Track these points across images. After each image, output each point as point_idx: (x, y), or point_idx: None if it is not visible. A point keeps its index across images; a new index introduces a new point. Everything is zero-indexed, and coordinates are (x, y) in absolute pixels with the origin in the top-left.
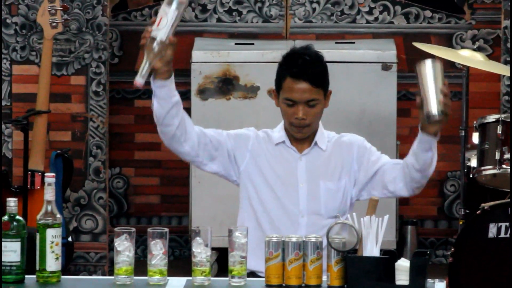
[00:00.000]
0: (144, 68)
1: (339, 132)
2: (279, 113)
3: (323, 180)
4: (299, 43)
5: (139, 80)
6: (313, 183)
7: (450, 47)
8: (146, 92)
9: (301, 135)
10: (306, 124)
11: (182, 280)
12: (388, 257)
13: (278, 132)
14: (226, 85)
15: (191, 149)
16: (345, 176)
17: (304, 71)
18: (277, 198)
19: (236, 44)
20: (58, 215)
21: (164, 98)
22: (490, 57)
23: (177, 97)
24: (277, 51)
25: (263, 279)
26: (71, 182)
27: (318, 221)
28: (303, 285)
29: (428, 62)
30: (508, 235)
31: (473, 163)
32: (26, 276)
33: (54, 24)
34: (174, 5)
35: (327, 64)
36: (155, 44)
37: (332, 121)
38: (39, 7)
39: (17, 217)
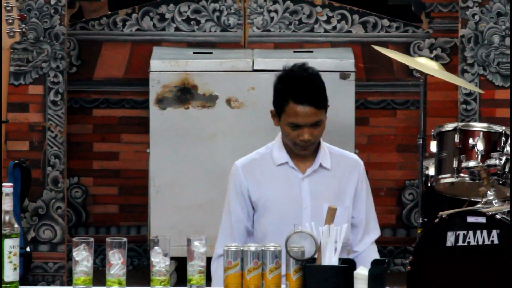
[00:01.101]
0: None
1: None
2: (237, 122)
3: (328, 203)
4: (257, 52)
5: None
6: (318, 205)
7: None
8: (105, 102)
9: (306, 153)
10: (312, 143)
11: None
12: (347, 266)
13: (279, 152)
14: (185, 94)
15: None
16: (349, 201)
17: (307, 96)
18: (279, 220)
19: (194, 53)
20: (16, 225)
21: None
22: (448, 66)
23: None
24: (235, 60)
25: None
26: (29, 192)
27: None
28: None
29: None
30: (465, 243)
31: (431, 171)
32: None
33: (11, 34)
34: None
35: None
36: None
37: None
38: None
39: None
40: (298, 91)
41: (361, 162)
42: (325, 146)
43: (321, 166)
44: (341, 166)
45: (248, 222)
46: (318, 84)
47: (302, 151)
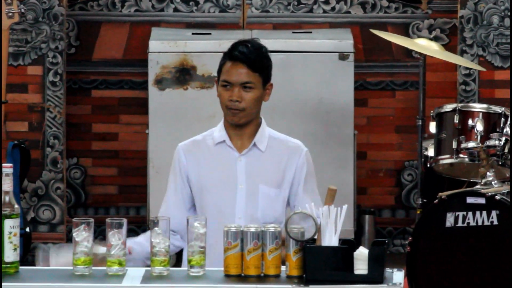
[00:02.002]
0: None
1: (295, 124)
2: None
3: (263, 184)
4: (256, 33)
5: None
6: (252, 185)
7: (406, 37)
8: (104, 83)
9: (236, 120)
10: (241, 108)
11: (141, 270)
12: (347, 247)
13: (219, 132)
14: (183, 75)
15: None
16: (287, 185)
17: (242, 55)
18: (215, 199)
19: (193, 34)
20: (16, 206)
21: None
22: (447, 46)
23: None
24: (234, 41)
25: (222, 269)
26: (29, 172)
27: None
28: (262, 275)
29: None
30: (465, 224)
31: (430, 152)
32: None
33: (10, 14)
34: None
35: (285, 54)
36: None
37: (289, 111)
38: None
39: None
40: (234, 50)
41: (304, 148)
42: (266, 129)
43: (255, 146)
44: (280, 150)
45: (183, 207)
46: (258, 51)
47: (233, 117)
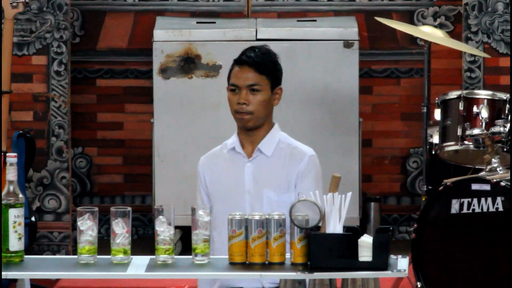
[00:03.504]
0: None
1: (300, 112)
2: None
3: (267, 188)
4: (261, 22)
5: None
6: (259, 191)
7: (411, 24)
8: (108, 72)
9: (244, 123)
10: (249, 111)
11: (145, 259)
12: (351, 234)
13: (232, 138)
14: (188, 64)
15: None
16: (292, 189)
17: (249, 58)
18: (225, 206)
19: (197, 23)
20: (21, 195)
21: None
22: (452, 33)
23: None
24: (238, 29)
25: (227, 257)
26: (34, 162)
27: None
28: (266, 262)
29: None
30: (470, 211)
31: (435, 139)
32: None
33: (14, 4)
34: None
35: (290, 42)
36: None
37: (294, 99)
38: None
39: None
40: (241, 55)
41: (309, 154)
42: (277, 134)
43: (260, 151)
44: (287, 156)
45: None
46: (266, 55)
47: (241, 121)
